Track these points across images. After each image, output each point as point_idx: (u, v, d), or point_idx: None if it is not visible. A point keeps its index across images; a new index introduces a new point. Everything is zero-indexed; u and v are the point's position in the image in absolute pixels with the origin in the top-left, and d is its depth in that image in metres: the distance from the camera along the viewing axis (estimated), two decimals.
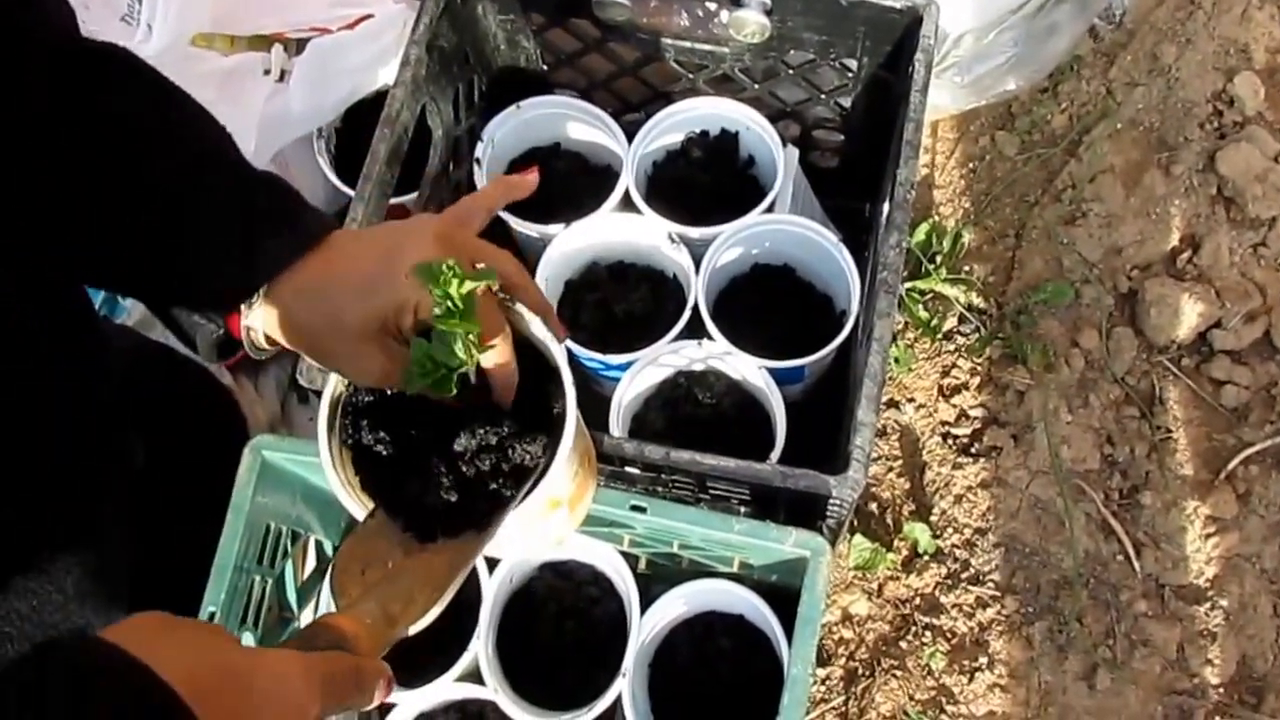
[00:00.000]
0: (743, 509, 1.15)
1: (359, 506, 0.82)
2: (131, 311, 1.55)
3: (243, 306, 0.83)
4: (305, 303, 0.82)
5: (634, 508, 1.02)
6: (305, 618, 1.24)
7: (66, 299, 0.96)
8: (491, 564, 1.20)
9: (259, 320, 0.84)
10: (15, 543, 0.87)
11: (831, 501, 1.02)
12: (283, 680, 0.66)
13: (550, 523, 0.93)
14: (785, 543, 1.00)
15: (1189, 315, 1.53)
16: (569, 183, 1.48)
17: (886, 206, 1.16)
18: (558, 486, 0.87)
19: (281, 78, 1.49)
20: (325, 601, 1.22)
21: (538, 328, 0.86)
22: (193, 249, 0.81)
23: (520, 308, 0.86)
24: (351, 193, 1.46)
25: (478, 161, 1.41)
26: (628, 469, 1.13)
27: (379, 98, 1.55)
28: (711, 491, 1.12)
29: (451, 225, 0.87)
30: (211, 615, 1.04)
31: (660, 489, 1.12)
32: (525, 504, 0.81)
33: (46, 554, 0.91)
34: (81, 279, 0.92)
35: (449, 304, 0.77)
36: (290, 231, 0.83)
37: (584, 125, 1.45)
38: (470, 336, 0.78)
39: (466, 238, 0.87)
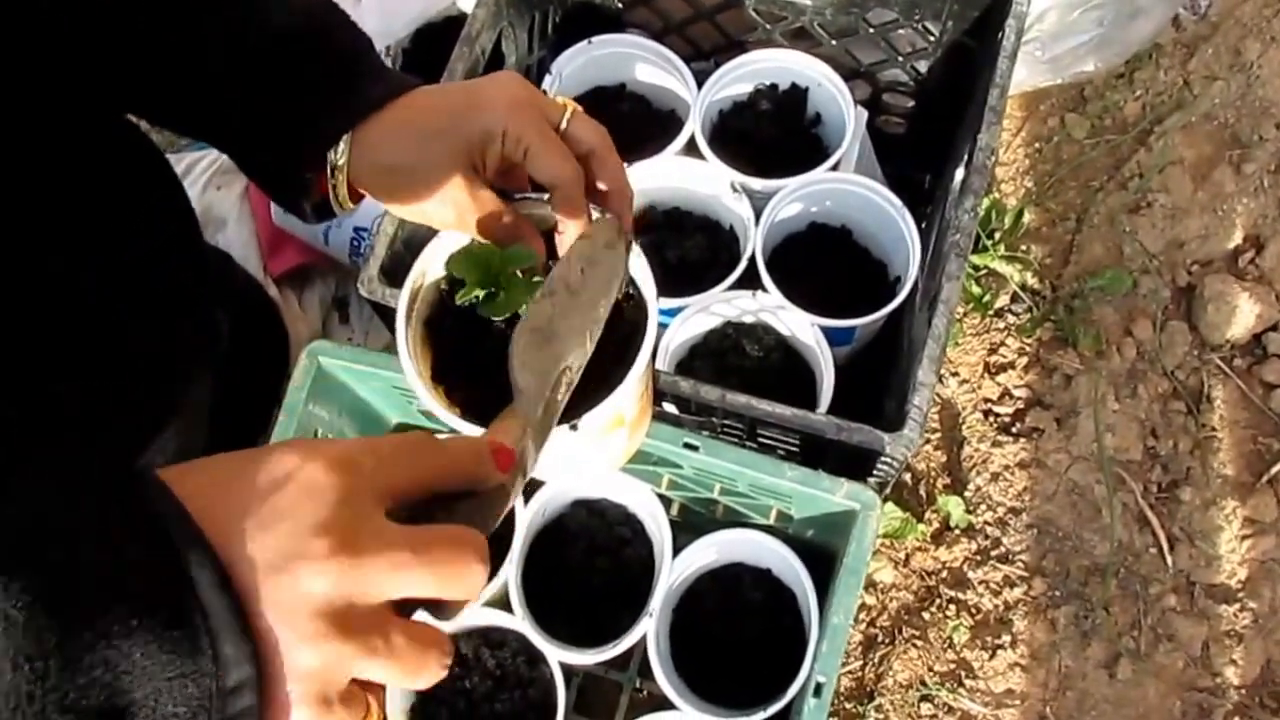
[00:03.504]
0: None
1: (430, 395, 0.84)
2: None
3: (329, 154, 0.85)
4: (393, 140, 0.85)
5: (687, 445, 1.04)
6: None
7: (157, 164, 1.00)
8: (527, 495, 1.21)
9: (341, 171, 0.86)
10: (126, 415, 0.89)
11: (883, 459, 1.03)
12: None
13: (608, 443, 0.95)
14: (836, 494, 1.01)
15: (1246, 315, 1.54)
16: (632, 125, 1.49)
17: (961, 171, 1.16)
18: (628, 400, 0.88)
19: None
20: None
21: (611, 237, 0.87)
22: (292, 87, 0.84)
23: (601, 224, 0.87)
24: None
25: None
26: (674, 410, 1.14)
27: (448, 23, 1.56)
28: (760, 439, 1.13)
29: (535, 91, 0.88)
30: None
31: (705, 433, 1.13)
32: (595, 412, 0.82)
33: (149, 429, 0.93)
34: (177, 125, 0.94)
35: (492, 287, 0.82)
36: (384, 77, 0.86)
37: (653, 68, 1.46)
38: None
39: (546, 100, 0.88)
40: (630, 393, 0.85)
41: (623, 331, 0.87)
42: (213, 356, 1.09)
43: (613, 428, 0.90)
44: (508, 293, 0.83)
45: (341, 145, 0.85)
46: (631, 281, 0.89)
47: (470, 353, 0.88)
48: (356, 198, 0.90)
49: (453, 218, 0.85)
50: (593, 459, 0.99)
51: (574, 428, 0.81)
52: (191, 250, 1.09)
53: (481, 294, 0.83)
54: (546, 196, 0.85)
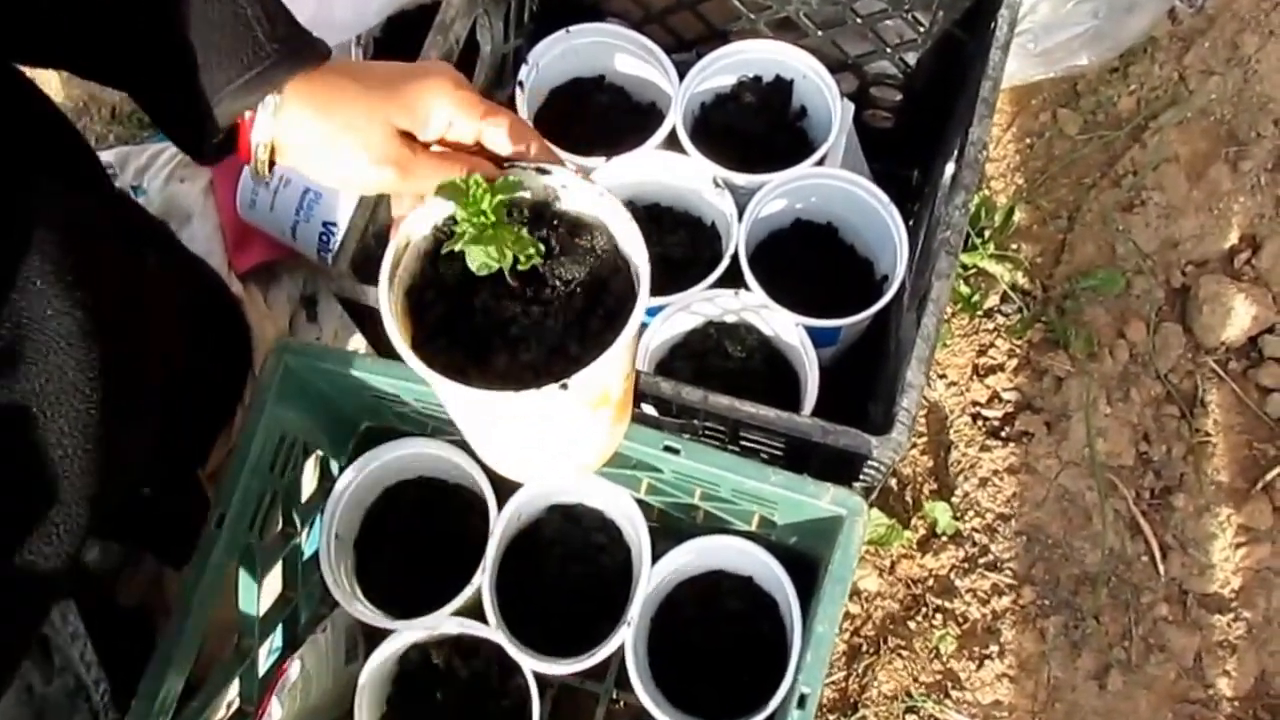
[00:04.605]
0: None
1: (415, 358, 0.85)
2: (152, 200, 1.57)
3: (255, 119, 0.86)
4: (321, 107, 0.87)
5: (667, 448, 1.04)
6: (305, 538, 1.26)
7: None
8: (500, 500, 1.21)
9: (268, 133, 0.87)
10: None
11: (869, 463, 1.03)
12: None
13: (592, 426, 0.95)
14: (822, 499, 1.01)
15: (1241, 317, 1.54)
16: (611, 117, 1.49)
17: (952, 166, 1.17)
18: (616, 370, 0.89)
19: None
20: (324, 526, 1.24)
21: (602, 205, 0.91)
22: (210, 48, 0.85)
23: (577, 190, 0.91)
24: None
25: (520, 84, 1.41)
26: (654, 413, 1.14)
27: (422, 11, 1.56)
28: (743, 443, 1.13)
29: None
30: (223, 516, 1.05)
31: (687, 436, 1.13)
32: (586, 372, 0.83)
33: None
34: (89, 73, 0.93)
35: (481, 219, 0.84)
36: (308, 46, 0.88)
37: (633, 58, 1.45)
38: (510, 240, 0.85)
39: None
40: (618, 360, 0.87)
41: (610, 304, 0.88)
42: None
43: (598, 404, 0.91)
44: (496, 231, 0.84)
45: (268, 117, 0.86)
46: (622, 253, 0.90)
47: (451, 323, 0.89)
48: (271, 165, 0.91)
49: (392, 177, 0.87)
50: (576, 445, 1.00)
51: (564, 386, 0.83)
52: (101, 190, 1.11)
53: (471, 232, 0.84)
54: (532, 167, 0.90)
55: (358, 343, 1.53)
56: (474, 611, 1.19)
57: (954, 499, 1.54)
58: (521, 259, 0.86)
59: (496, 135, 0.92)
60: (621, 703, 1.34)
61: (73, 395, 0.85)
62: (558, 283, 0.89)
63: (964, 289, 1.64)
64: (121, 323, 0.92)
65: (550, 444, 0.99)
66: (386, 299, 0.87)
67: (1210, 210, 1.63)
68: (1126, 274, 1.62)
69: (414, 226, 0.90)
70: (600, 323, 0.88)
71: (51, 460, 0.84)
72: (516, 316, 0.88)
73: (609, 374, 0.88)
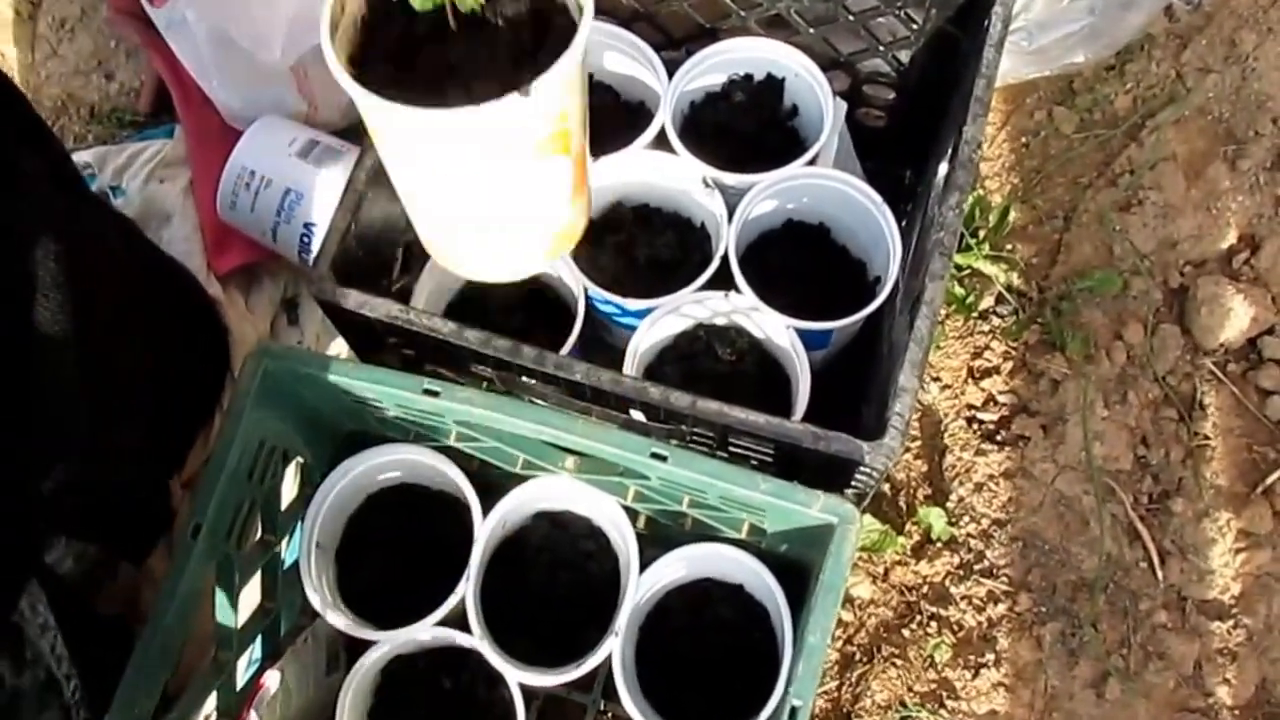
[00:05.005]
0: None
1: (365, 93, 0.87)
2: (131, 200, 1.56)
3: None
4: None
5: (654, 455, 1.03)
6: (285, 547, 1.25)
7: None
8: (486, 507, 1.20)
9: None
10: None
11: (862, 470, 1.02)
12: None
13: (550, 182, 0.96)
14: (812, 507, 1.00)
15: (1240, 318, 1.54)
16: (599, 117, 1.47)
17: (945, 166, 1.16)
18: (571, 96, 0.92)
19: None
20: (305, 534, 1.22)
21: None
22: None
23: None
24: None
25: None
26: (642, 418, 1.13)
27: None
28: (731, 449, 1.12)
29: None
30: (198, 527, 1.04)
31: (674, 441, 1.12)
32: (545, 77, 0.86)
33: None
34: None
35: None
36: None
37: (622, 57, 1.45)
38: None
39: None
40: (573, 78, 0.90)
41: (556, 40, 0.93)
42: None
43: (556, 145, 0.94)
44: None
45: None
46: None
47: (400, 77, 0.92)
48: None
49: None
50: (536, 209, 1.02)
51: (525, 93, 0.85)
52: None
53: None
54: None
55: (339, 347, 1.52)
56: (458, 621, 1.18)
57: (949, 504, 1.53)
58: None
59: None
60: (609, 714, 1.33)
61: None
62: (501, 22, 0.93)
63: (958, 290, 1.63)
64: (87, 287, 0.93)
65: (509, 204, 1.00)
66: (330, 52, 0.89)
67: (1208, 210, 1.62)
68: (1124, 275, 1.61)
69: None
70: (549, 57, 0.90)
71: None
72: (466, 58, 0.92)
73: (566, 96, 0.91)
